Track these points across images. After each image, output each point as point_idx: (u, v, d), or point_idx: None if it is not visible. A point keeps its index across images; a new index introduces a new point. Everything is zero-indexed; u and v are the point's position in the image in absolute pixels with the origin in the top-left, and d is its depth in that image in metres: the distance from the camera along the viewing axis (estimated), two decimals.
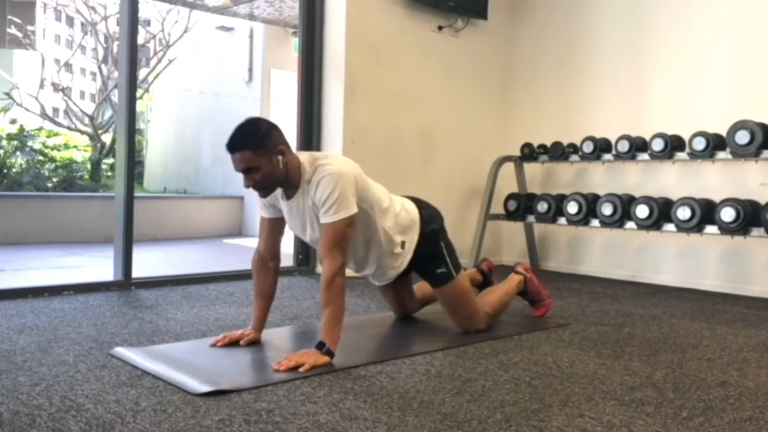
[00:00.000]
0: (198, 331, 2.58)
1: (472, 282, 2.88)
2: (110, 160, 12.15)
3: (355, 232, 2.25)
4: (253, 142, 2.12)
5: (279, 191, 2.28)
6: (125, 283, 3.52)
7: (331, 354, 2.08)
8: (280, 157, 2.15)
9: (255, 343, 2.34)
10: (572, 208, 4.14)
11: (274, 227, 2.39)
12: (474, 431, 1.57)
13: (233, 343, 2.31)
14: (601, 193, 4.16)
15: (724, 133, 3.69)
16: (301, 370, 1.98)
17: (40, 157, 9.30)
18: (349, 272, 2.24)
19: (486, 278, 3.02)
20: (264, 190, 2.22)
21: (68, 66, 17.14)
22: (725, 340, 2.62)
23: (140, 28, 9.88)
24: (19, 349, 2.23)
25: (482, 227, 4.54)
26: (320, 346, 2.08)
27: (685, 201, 3.69)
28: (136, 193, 3.75)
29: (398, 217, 2.44)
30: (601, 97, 4.58)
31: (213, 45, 9.68)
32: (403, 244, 2.47)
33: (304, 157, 2.24)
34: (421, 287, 2.85)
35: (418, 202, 2.60)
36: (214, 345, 2.29)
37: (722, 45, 4.01)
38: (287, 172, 2.18)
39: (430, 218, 2.56)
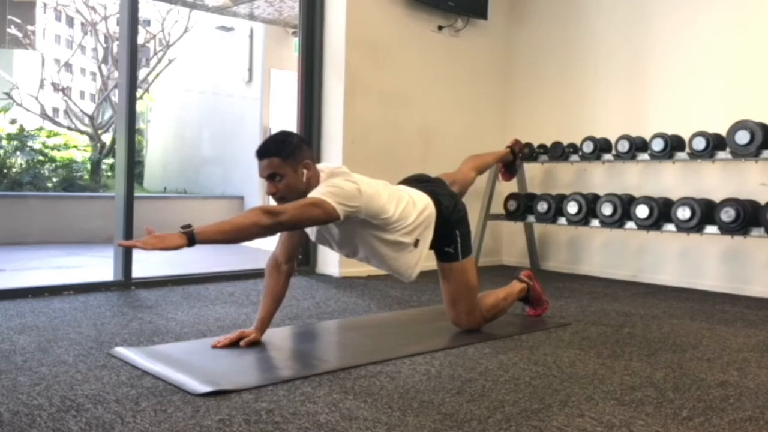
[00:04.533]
0: (198, 331, 2.58)
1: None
2: (110, 160, 12.14)
3: (313, 220, 2.16)
4: (283, 150, 2.19)
5: None
6: (125, 283, 3.52)
7: (191, 239, 1.86)
8: (305, 171, 2.22)
9: (255, 343, 2.34)
10: (572, 208, 4.14)
11: (292, 234, 2.43)
12: (474, 431, 1.57)
13: (233, 344, 2.31)
14: (601, 193, 4.16)
15: (724, 133, 3.69)
16: (143, 246, 1.80)
17: (40, 157, 9.30)
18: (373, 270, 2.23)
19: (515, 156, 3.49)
20: (283, 200, 2.25)
21: (68, 66, 17.12)
22: (725, 340, 2.62)
23: (140, 28, 9.86)
24: (19, 349, 2.23)
25: (482, 227, 4.54)
26: (186, 227, 1.88)
27: (685, 201, 3.69)
28: (136, 193, 3.75)
29: (407, 219, 2.38)
30: (601, 97, 4.58)
31: (213, 45, 9.67)
32: (416, 242, 2.43)
33: (324, 173, 2.28)
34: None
35: (435, 194, 2.53)
36: (215, 346, 2.30)
37: (722, 45, 4.01)
38: (309, 186, 2.24)
39: (452, 210, 2.52)
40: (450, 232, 2.52)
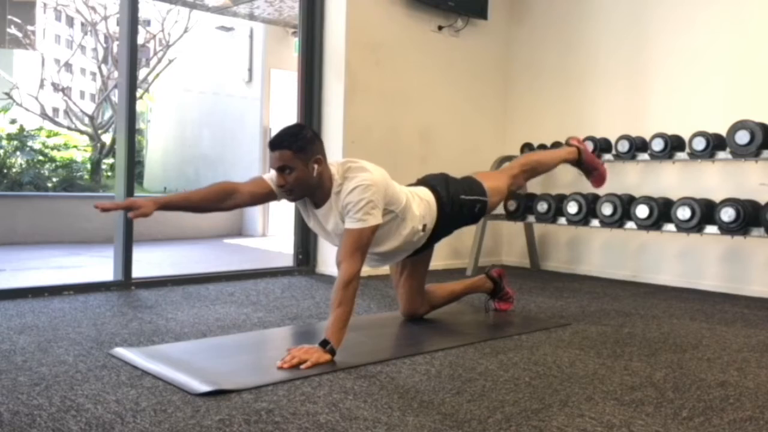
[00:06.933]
0: (198, 331, 2.58)
1: (482, 289, 3.01)
2: (110, 160, 12.15)
3: (374, 239, 2.31)
4: (296, 144, 2.21)
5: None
6: (125, 283, 3.52)
7: (333, 353, 2.11)
8: (315, 166, 2.24)
9: (145, 216, 2.11)
10: (572, 208, 4.14)
11: (262, 190, 2.33)
12: (474, 431, 1.57)
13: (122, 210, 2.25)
14: (601, 193, 4.16)
15: (724, 133, 3.69)
16: (303, 366, 2.01)
17: (40, 157, 9.30)
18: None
19: (497, 284, 3.02)
20: (292, 194, 2.30)
21: (68, 66, 17.13)
22: (725, 340, 2.63)
23: (140, 28, 9.87)
24: (19, 349, 2.23)
25: (482, 227, 4.54)
26: (324, 344, 2.11)
27: (685, 201, 3.69)
28: (136, 193, 3.75)
29: (417, 207, 2.51)
30: (601, 97, 4.58)
31: (213, 45, 9.68)
32: (424, 227, 2.55)
33: (334, 167, 2.32)
34: (431, 291, 2.85)
35: (430, 185, 2.66)
36: (96, 207, 2.09)
37: (722, 45, 4.01)
38: (319, 182, 2.27)
39: (449, 199, 2.64)
40: (448, 229, 2.66)
